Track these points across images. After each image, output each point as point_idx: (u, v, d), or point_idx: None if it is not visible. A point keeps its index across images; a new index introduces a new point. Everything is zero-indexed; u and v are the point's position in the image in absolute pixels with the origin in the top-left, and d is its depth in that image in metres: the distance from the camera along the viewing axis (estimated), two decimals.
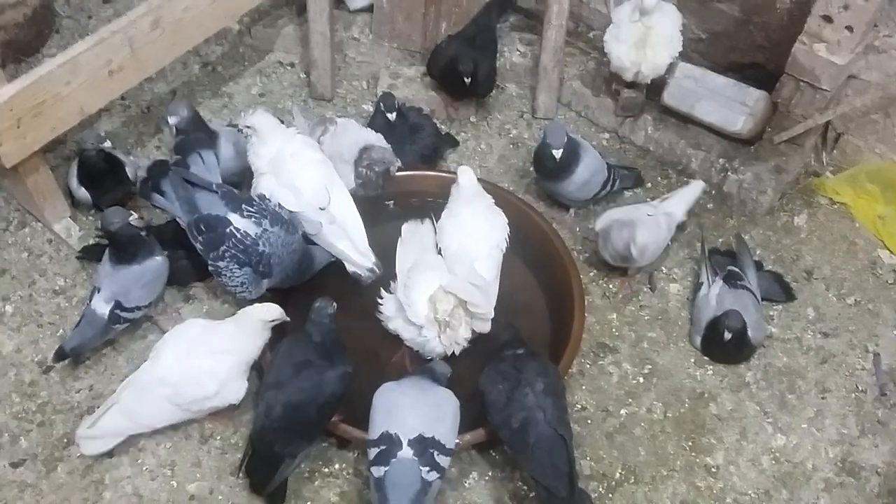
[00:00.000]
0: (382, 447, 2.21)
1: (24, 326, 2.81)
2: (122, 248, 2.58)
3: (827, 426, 2.70)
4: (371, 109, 3.36)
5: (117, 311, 2.60)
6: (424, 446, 2.21)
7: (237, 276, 2.61)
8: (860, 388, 2.79)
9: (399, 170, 2.97)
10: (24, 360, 2.74)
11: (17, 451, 2.55)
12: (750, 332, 2.71)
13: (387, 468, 2.19)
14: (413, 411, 2.26)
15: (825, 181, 3.30)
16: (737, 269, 2.86)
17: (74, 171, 2.96)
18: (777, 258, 3.11)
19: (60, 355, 2.62)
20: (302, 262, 2.72)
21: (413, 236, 2.91)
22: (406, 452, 2.20)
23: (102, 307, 2.60)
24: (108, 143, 2.86)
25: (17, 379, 2.70)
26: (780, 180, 3.16)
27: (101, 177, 2.91)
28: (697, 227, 3.16)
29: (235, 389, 2.46)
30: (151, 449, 2.55)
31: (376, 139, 2.97)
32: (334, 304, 2.37)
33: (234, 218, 2.61)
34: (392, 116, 3.05)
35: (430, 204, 3.01)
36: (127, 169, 2.94)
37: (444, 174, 3.11)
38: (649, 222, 2.84)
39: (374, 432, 2.26)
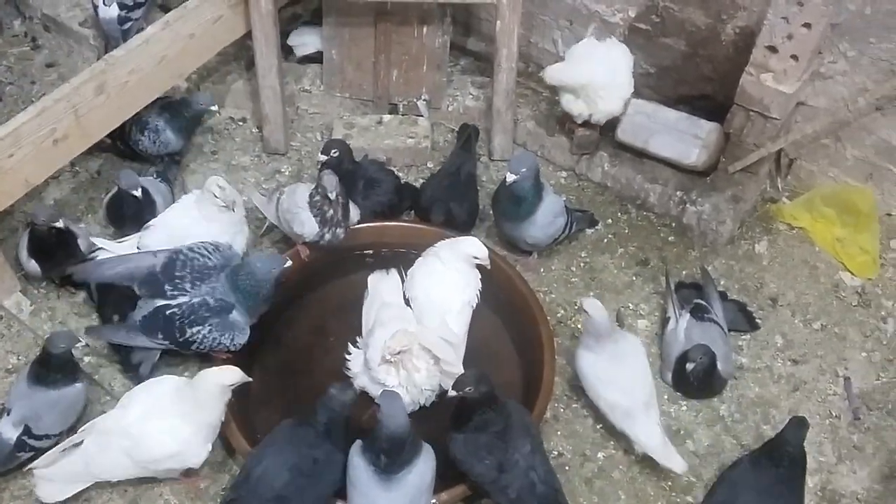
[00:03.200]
0: None
1: None
2: (50, 369, 2.46)
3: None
4: None
5: (24, 438, 2.45)
6: None
7: (207, 335, 2.55)
8: (834, 414, 2.79)
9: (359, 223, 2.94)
10: None
11: None
12: (720, 365, 2.70)
13: None
14: None
15: (782, 207, 3.33)
16: (703, 302, 2.85)
17: (25, 242, 2.86)
18: (741, 287, 3.11)
19: None
20: (250, 285, 2.59)
21: (379, 288, 2.86)
22: None
23: (10, 431, 2.46)
24: (60, 223, 2.73)
25: None
26: (738, 209, 3.18)
27: (52, 249, 2.81)
28: (661, 262, 3.17)
29: (196, 453, 2.39)
30: None
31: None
32: (353, 389, 2.33)
33: (162, 302, 2.59)
34: (322, 158, 2.97)
35: (395, 253, 2.99)
36: (79, 241, 2.84)
37: (411, 225, 3.09)
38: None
39: None
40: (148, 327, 2.60)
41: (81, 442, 2.41)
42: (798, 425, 2.39)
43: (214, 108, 3.22)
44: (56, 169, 2.90)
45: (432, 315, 2.72)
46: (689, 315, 2.81)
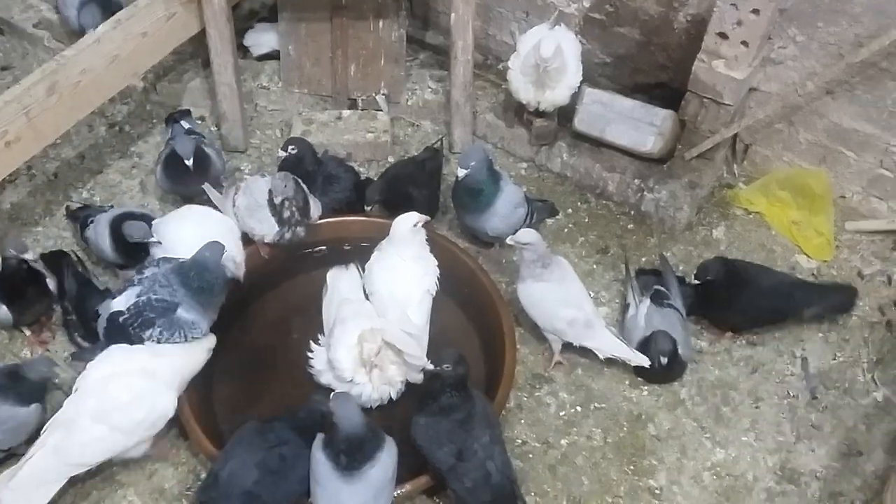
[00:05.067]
0: None
1: None
2: (16, 388, 2.43)
3: (763, 435, 2.73)
4: None
5: None
6: None
7: (160, 336, 2.51)
8: (791, 394, 2.83)
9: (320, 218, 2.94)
10: None
11: None
12: (680, 350, 2.74)
13: None
14: (351, 501, 2.17)
15: (738, 192, 3.37)
16: (663, 289, 2.88)
17: None
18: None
19: None
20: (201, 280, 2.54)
21: (337, 284, 2.86)
22: None
23: None
24: (30, 255, 2.68)
25: None
26: (695, 195, 3.22)
27: (23, 290, 2.72)
28: (621, 249, 3.20)
29: (164, 401, 2.39)
30: None
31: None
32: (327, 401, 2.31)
33: (110, 305, 2.59)
34: (281, 153, 2.99)
35: (355, 248, 2.99)
36: (48, 281, 2.78)
37: (370, 219, 3.08)
38: None
39: None
40: (111, 339, 2.57)
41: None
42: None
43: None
44: (9, 172, 2.86)
45: (393, 308, 2.71)
46: (649, 301, 2.84)
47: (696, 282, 2.89)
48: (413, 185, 3.09)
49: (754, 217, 3.34)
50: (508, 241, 2.71)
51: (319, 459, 2.17)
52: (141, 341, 2.50)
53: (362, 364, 2.52)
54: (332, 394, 2.34)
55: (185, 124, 3.26)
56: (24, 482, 2.31)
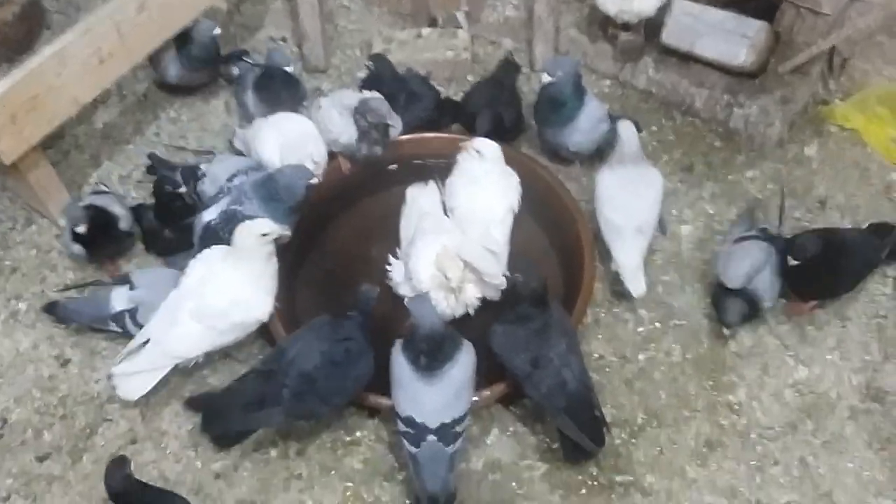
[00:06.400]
0: (411, 430, 2.24)
1: (38, 323, 2.82)
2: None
3: (849, 354, 2.66)
4: None
5: (126, 315, 2.60)
6: (447, 430, 2.23)
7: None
8: (881, 314, 2.74)
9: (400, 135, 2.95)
10: (41, 355, 2.76)
11: (41, 444, 2.57)
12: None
13: (418, 449, 2.24)
14: (432, 400, 2.22)
15: (834, 108, 3.23)
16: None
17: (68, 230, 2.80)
18: (789, 190, 3.04)
19: (49, 309, 2.71)
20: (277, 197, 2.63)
21: (417, 199, 2.88)
22: (432, 439, 2.22)
23: (121, 302, 2.61)
24: (81, 228, 2.70)
25: (37, 374, 2.72)
26: (787, 111, 3.10)
27: (95, 233, 2.76)
28: (706, 167, 3.12)
29: (259, 303, 2.48)
30: (174, 432, 2.57)
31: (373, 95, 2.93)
32: (378, 289, 2.40)
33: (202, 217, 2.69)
34: (369, 64, 3.05)
35: (435, 166, 2.98)
36: (120, 224, 2.83)
37: (449, 135, 3.07)
38: None
39: (401, 410, 2.26)
40: (206, 246, 2.64)
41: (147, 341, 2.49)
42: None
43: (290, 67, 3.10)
44: (103, 87, 2.94)
45: (475, 225, 2.71)
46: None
47: (794, 262, 2.58)
48: (500, 107, 3.05)
49: (850, 134, 3.20)
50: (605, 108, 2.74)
51: (400, 362, 2.23)
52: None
53: (442, 289, 2.53)
54: (408, 297, 2.38)
55: (248, 59, 3.33)
56: (131, 368, 2.47)
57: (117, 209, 2.82)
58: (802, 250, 2.56)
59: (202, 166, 2.91)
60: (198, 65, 3.26)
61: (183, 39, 3.18)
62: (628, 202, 2.71)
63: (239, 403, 2.33)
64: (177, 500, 2.27)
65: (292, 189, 2.59)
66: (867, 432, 2.52)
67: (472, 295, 2.59)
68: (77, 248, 2.81)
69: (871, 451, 2.48)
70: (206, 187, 2.84)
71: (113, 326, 2.63)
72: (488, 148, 2.75)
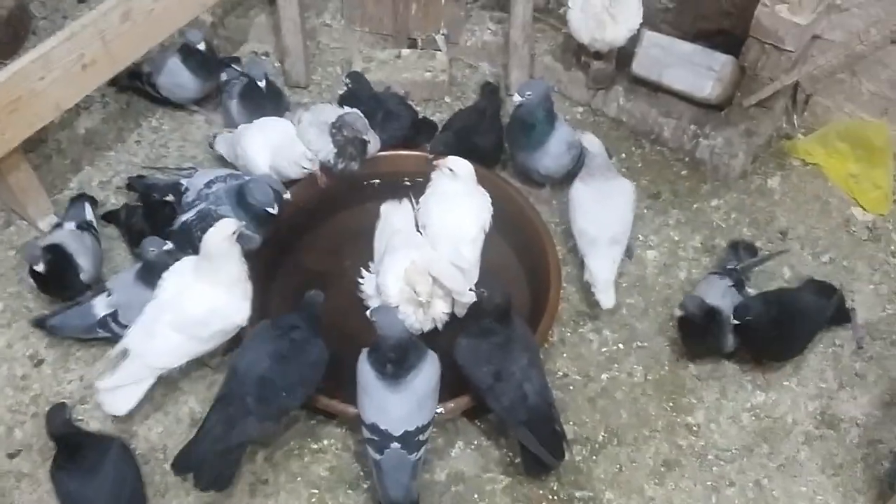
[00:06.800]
0: (376, 437, 2.29)
1: (14, 322, 2.85)
2: (152, 274, 2.60)
3: (806, 381, 2.75)
4: None
5: (109, 319, 2.64)
6: (411, 438, 2.28)
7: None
8: (837, 343, 2.84)
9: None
10: (15, 354, 2.78)
11: (12, 442, 2.60)
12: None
13: (382, 456, 2.30)
14: (397, 408, 2.28)
15: (797, 143, 3.35)
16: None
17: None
18: (751, 220, 3.15)
19: (39, 324, 2.74)
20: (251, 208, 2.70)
21: (390, 216, 2.95)
22: (396, 446, 2.28)
23: (101, 308, 2.65)
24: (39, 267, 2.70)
25: (10, 373, 2.74)
26: (751, 143, 3.21)
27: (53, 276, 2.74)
28: (672, 194, 3.22)
29: (237, 309, 2.52)
30: (143, 434, 2.60)
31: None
32: (323, 294, 2.46)
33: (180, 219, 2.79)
34: (346, 81, 3.15)
35: (412, 183, 3.06)
36: (81, 275, 2.79)
37: (425, 155, 3.11)
38: None
39: (366, 417, 2.31)
40: (181, 246, 2.70)
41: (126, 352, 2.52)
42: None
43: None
44: (85, 94, 2.98)
45: (446, 242, 2.78)
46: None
47: (735, 322, 2.58)
48: (477, 134, 3.13)
49: (811, 168, 3.32)
50: (578, 139, 2.88)
51: (365, 370, 2.28)
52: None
53: (411, 303, 2.59)
54: (373, 308, 2.43)
55: (237, 67, 3.41)
56: (115, 383, 2.50)
57: (82, 261, 2.78)
58: (744, 311, 2.57)
59: (183, 181, 2.95)
60: (208, 74, 3.33)
61: (185, 55, 3.25)
62: (602, 213, 2.81)
63: (215, 445, 2.34)
64: (114, 442, 2.38)
65: (263, 198, 2.65)
66: (821, 457, 2.60)
67: (440, 310, 2.65)
68: (31, 283, 2.81)
69: (825, 476, 2.57)
70: (190, 200, 2.88)
71: (101, 333, 2.67)
72: (461, 167, 2.83)
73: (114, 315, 2.64)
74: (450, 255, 2.74)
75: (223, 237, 2.46)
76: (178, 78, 3.31)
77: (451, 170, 2.82)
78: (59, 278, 2.75)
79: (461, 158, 2.86)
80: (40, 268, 2.68)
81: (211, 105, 3.47)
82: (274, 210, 2.66)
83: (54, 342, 2.80)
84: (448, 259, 2.72)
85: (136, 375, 2.52)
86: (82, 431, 2.40)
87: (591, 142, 2.86)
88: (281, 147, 2.93)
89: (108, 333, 2.66)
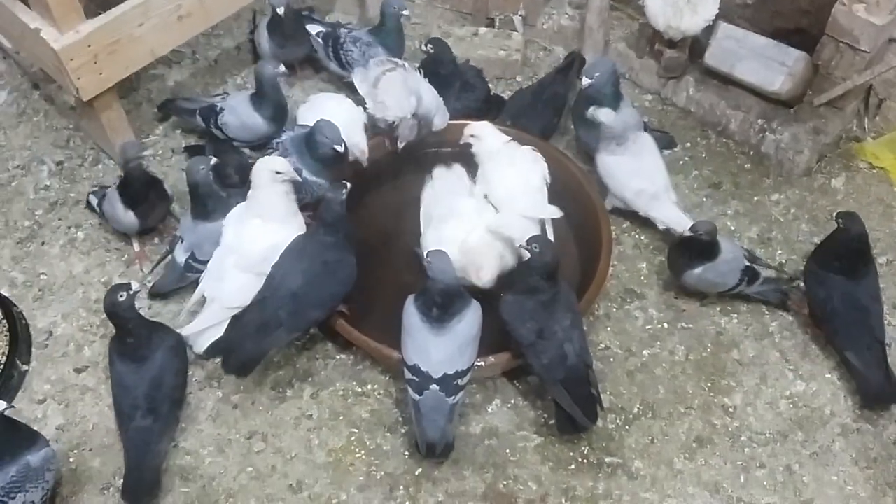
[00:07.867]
0: (416, 378, 2.39)
1: (93, 251, 3.07)
2: (205, 205, 2.79)
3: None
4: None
5: (191, 261, 2.83)
6: (449, 381, 2.38)
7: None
8: (886, 342, 2.81)
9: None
10: (91, 279, 3.00)
11: (80, 358, 2.80)
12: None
13: (421, 397, 2.40)
14: (438, 351, 2.37)
15: (865, 145, 3.33)
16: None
17: (116, 196, 2.92)
18: (811, 217, 3.15)
19: (154, 295, 2.93)
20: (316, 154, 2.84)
21: (441, 183, 2.97)
22: (434, 388, 2.38)
23: (181, 256, 2.85)
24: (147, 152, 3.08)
25: (85, 296, 2.95)
26: (817, 141, 3.20)
27: (146, 195, 2.92)
28: (733, 185, 3.24)
29: (292, 237, 2.65)
30: (200, 362, 2.77)
31: (427, 90, 3.04)
32: (347, 186, 2.58)
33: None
34: (429, 47, 3.24)
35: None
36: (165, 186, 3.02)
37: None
38: None
39: (408, 358, 2.41)
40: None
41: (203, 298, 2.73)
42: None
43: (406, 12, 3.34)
44: (179, 43, 3.17)
45: (519, 197, 2.84)
46: None
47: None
48: (527, 115, 3.25)
49: (877, 172, 3.29)
50: (587, 114, 2.95)
51: (411, 312, 2.39)
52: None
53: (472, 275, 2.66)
54: (429, 250, 2.52)
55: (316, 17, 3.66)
56: (199, 326, 2.70)
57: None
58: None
59: (218, 103, 3.18)
60: (288, 41, 3.44)
61: (273, 26, 3.40)
62: (648, 169, 2.96)
63: (247, 332, 2.55)
64: (171, 335, 2.56)
65: (332, 134, 2.78)
66: (855, 450, 2.60)
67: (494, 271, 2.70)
68: (130, 218, 2.91)
69: (857, 468, 2.57)
70: (227, 118, 3.15)
71: (191, 276, 2.85)
72: (480, 128, 2.96)
73: (192, 256, 2.82)
74: (526, 207, 2.82)
75: (270, 172, 2.61)
76: (263, 41, 3.46)
77: (473, 136, 2.94)
78: (152, 191, 2.93)
79: (476, 122, 3.00)
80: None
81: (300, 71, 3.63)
82: (340, 148, 2.78)
83: (129, 273, 3.00)
84: (524, 212, 2.80)
85: (216, 317, 2.70)
86: (133, 318, 2.45)
87: (601, 114, 2.92)
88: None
89: (196, 273, 2.83)
